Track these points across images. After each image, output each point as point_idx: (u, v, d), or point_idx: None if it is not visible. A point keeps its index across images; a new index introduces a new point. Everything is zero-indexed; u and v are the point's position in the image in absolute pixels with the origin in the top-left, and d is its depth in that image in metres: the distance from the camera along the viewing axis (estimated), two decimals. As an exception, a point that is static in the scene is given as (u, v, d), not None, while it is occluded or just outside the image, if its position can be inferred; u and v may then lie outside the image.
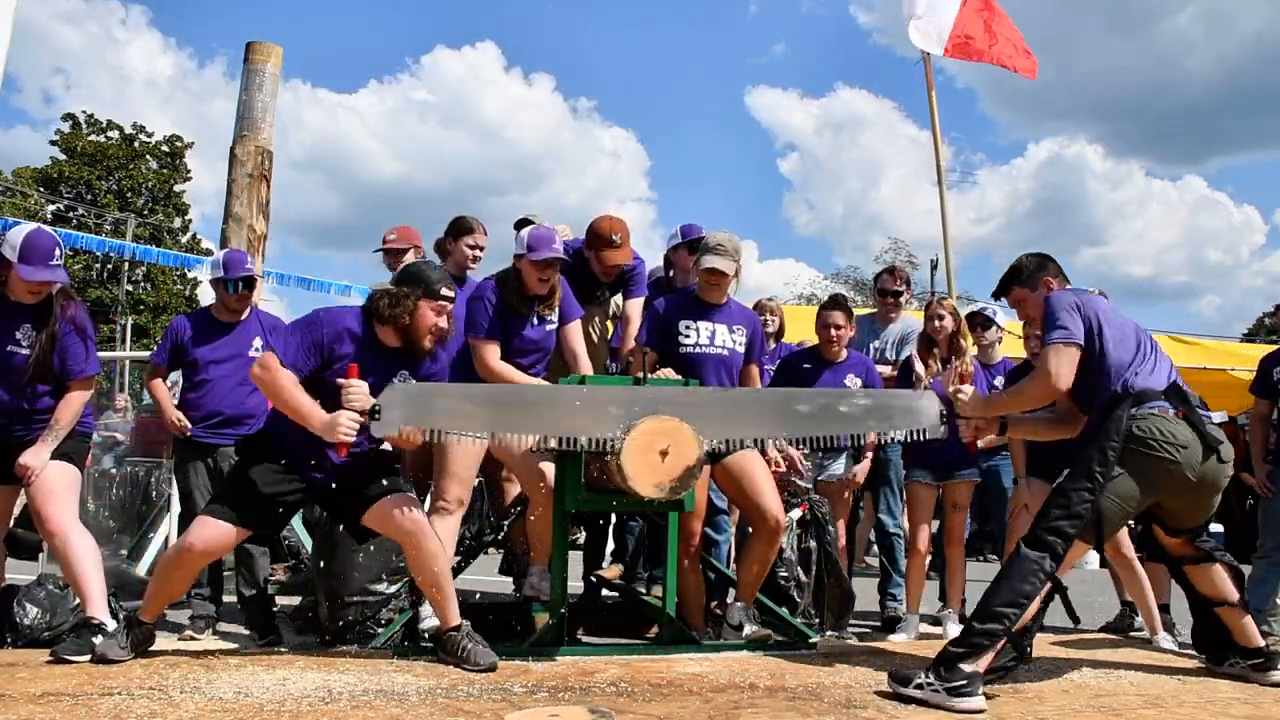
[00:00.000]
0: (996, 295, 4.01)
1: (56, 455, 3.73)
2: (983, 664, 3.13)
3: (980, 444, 3.89)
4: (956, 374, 4.75)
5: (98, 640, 3.42)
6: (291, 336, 3.40)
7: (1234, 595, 3.50)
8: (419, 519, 3.50)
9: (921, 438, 3.78)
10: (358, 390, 3.30)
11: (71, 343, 3.73)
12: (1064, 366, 3.30)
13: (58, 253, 3.65)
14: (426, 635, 3.72)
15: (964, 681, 3.05)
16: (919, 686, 3.08)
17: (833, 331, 5.02)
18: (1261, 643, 3.52)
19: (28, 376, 3.68)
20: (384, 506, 3.47)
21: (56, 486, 3.71)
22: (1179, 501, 3.38)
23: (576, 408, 3.54)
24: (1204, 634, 3.64)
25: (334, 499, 3.62)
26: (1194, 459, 3.24)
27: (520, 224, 5.00)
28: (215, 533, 3.35)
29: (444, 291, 3.46)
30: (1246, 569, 4.95)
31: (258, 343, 4.66)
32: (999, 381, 5.11)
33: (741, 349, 4.28)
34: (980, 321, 5.24)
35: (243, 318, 4.71)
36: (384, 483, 3.53)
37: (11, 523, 4.08)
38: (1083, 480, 3.24)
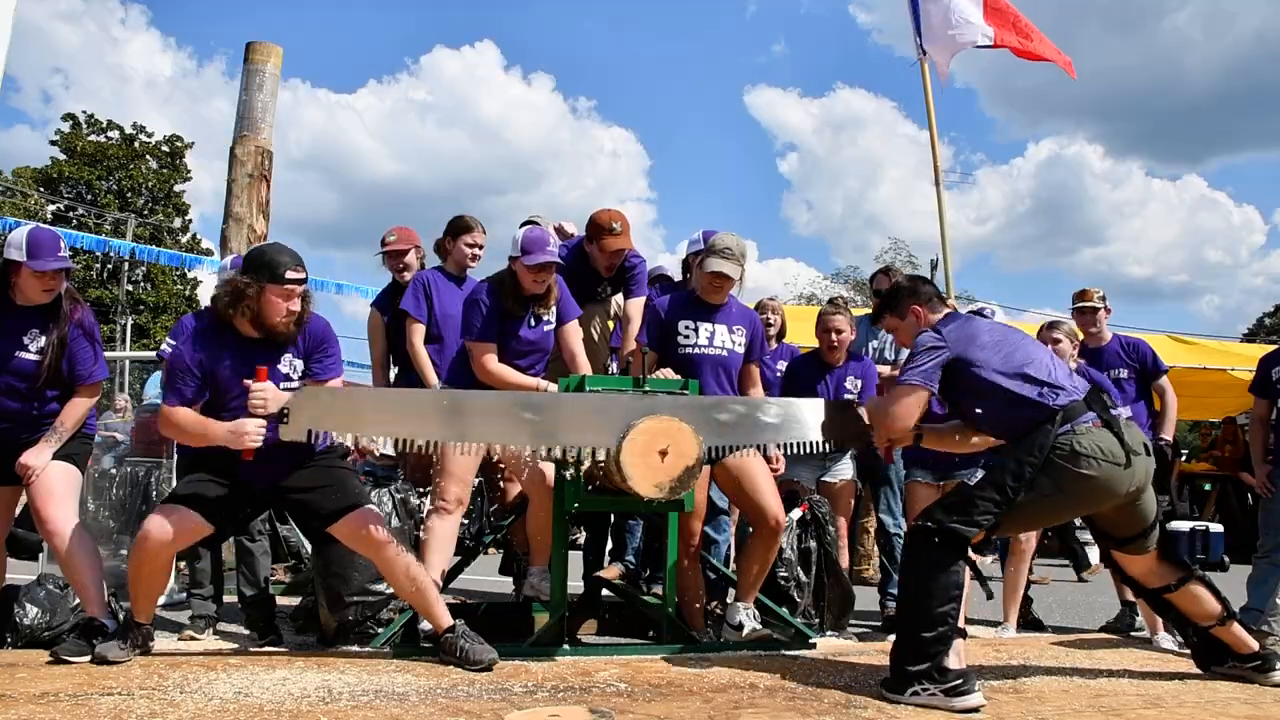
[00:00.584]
0: (872, 321, 3.98)
1: (59, 455, 3.72)
2: (964, 659, 3.12)
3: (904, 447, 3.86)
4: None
5: (98, 640, 3.43)
6: (171, 378, 3.37)
7: (1219, 609, 3.47)
8: (378, 536, 3.51)
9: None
10: (259, 395, 3.24)
11: (80, 347, 3.72)
12: (908, 409, 3.32)
13: (62, 244, 3.66)
14: (425, 635, 3.72)
15: (959, 680, 3.03)
16: (915, 693, 3.06)
17: (833, 336, 5.02)
18: (1256, 645, 3.51)
19: (38, 381, 3.66)
20: (347, 522, 3.51)
21: (57, 487, 3.70)
22: (1116, 505, 3.30)
23: (485, 414, 3.49)
24: (1198, 650, 3.61)
25: (296, 510, 3.66)
26: (1125, 468, 3.19)
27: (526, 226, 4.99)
28: (175, 518, 3.33)
29: (289, 275, 3.32)
30: (1246, 569, 4.98)
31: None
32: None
33: (741, 349, 4.28)
34: (978, 321, 5.23)
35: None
36: (345, 497, 3.53)
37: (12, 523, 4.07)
38: (991, 491, 3.20)
